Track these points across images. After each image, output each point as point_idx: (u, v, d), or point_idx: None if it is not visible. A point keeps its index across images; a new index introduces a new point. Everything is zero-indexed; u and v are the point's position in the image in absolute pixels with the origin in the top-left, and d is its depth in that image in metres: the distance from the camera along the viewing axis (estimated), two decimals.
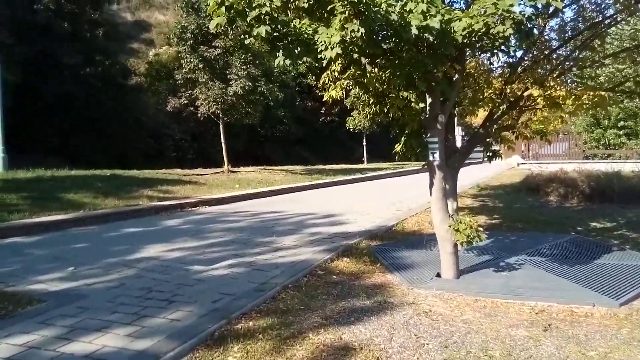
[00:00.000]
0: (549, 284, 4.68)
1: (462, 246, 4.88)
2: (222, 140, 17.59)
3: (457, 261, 5.00)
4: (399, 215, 8.95)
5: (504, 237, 6.95)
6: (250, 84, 16.24)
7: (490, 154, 6.26)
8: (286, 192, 13.75)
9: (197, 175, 15.90)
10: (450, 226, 4.86)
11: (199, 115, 17.25)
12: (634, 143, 22.11)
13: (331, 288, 4.55)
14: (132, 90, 29.48)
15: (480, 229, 4.86)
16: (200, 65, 16.35)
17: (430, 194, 5.08)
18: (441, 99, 4.85)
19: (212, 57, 16.49)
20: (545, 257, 5.70)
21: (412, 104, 5.01)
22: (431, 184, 5.01)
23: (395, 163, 31.01)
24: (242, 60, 16.72)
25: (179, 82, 17.33)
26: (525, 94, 5.39)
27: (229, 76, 16.56)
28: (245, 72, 16.37)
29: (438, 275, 5.08)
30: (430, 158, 4.92)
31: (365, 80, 4.95)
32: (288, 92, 32.77)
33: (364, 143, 28.88)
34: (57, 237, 7.33)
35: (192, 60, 16.31)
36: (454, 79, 4.80)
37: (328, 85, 5.88)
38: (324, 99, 5.87)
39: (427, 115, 4.92)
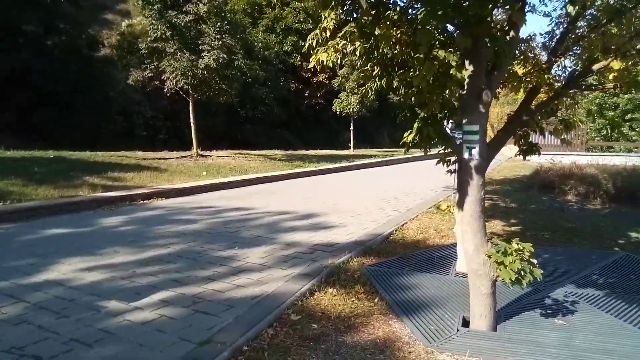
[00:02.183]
0: (629, 341, 3.22)
1: (507, 286, 3.33)
2: (192, 119, 15.70)
3: (494, 305, 3.46)
4: (396, 218, 7.38)
5: (535, 253, 5.43)
6: (225, 56, 14.35)
7: (525, 147, 4.75)
8: (262, 182, 12.07)
9: (160, 159, 14.07)
10: (490, 257, 3.30)
11: (165, 91, 15.31)
12: None
13: (310, 351, 2.96)
14: (101, 63, 27.03)
15: (534, 261, 3.33)
16: (168, 33, 14.36)
17: (460, 207, 3.51)
18: (488, 65, 3.24)
19: (182, 24, 14.50)
20: (601, 289, 4.25)
21: (453, 71, 3.36)
22: (463, 193, 3.43)
23: (385, 150, 29.48)
24: (217, 29, 14.79)
25: (143, 51, 15.28)
26: (596, 66, 3.79)
27: (200, 47, 14.64)
28: (220, 42, 14.46)
29: (465, 323, 3.56)
30: (466, 155, 3.35)
31: (378, 32, 3.32)
32: (271, 70, 30.79)
33: (351, 127, 27.19)
34: None
35: (158, 26, 14.29)
36: (510, 35, 3.19)
37: (316, 50, 4.17)
38: (310, 66, 4.16)
39: (465, 91, 3.31)
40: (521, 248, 3.31)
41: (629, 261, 5.15)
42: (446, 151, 5.42)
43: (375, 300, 3.92)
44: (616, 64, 3.50)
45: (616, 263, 5.08)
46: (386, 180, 13.30)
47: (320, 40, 3.99)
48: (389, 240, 6.09)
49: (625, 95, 19.50)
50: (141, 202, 8.70)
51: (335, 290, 4.05)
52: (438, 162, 5.46)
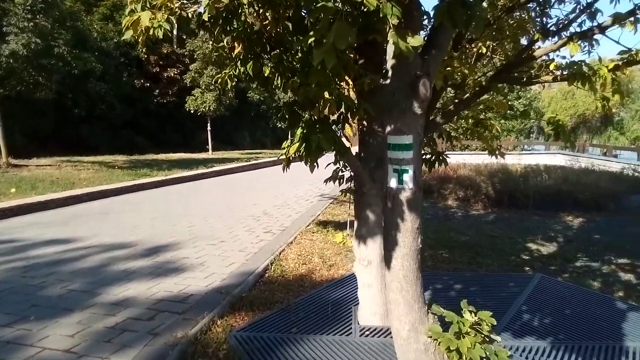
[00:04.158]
0: None
1: None
2: None
3: None
4: (270, 244, 6.06)
5: (441, 281, 4.59)
6: (38, 41, 11.46)
7: (432, 157, 3.86)
8: (94, 198, 9.73)
9: None
10: (435, 339, 2.15)
11: None
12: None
13: None
14: None
15: (496, 338, 2.27)
16: None
17: (387, 264, 2.30)
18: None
19: None
20: (542, 337, 3.42)
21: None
22: (389, 243, 2.23)
23: (247, 152, 28.05)
24: (28, 8, 11.78)
25: None
26: (539, 52, 2.91)
27: (4, 29, 11.51)
28: (32, 24, 11.53)
29: None
30: (393, 184, 2.13)
31: None
32: (110, 63, 27.06)
33: (209, 128, 25.13)
34: None
35: None
36: None
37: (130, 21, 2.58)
38: (125, 37, 2.56)
39: (389, 79, 2.11)
40: (478, 320, 2.22)
41: (549, 285, 4.55)
42: (339, 166, 4.29)
43: None
44: (575, 48, 2.62)
45: (538, 291, 4.42)
46: (252, 190, 11.88)
47: (149, 4, 2.48)
48: (264, 279, 4.72)
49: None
50: None
51: None
52: (328, 180, 4.28)
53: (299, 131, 2.88)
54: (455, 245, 6.00)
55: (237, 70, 3.16)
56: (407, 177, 2.07)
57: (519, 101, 29.42)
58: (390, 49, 1.83)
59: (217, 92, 22.02)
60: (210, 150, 25.58)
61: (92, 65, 19.75)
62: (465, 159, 13.32)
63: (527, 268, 5.25)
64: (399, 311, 2.17)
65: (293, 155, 2.98)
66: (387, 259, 2.26)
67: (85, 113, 26.23)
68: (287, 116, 3.23)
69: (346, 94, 3.13)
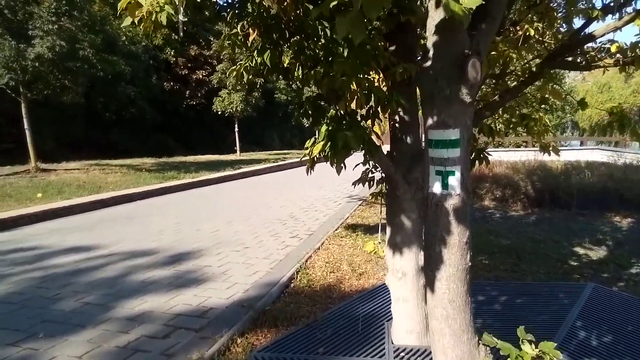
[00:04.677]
0: None
1: None
2: (26, 125, 12.54)
3: None
4: (296, 250, 5.75)
5: (482, 292, 4.18)
6: (63, 43, 11.51)
7: (472, 154, 3.45)
8: (120, 202, 9.66)
9: None
10: None
11: None
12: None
13: None
14: None
15: None
16: None
17: (430, 286, 1.94)
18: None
19: (4, 3, 11.38)
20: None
21: None
22: (432, 261, 1.87)
23: (275, 153, 27.92)
24: (53, 10, 11.86)
25: None
26: (600, 30, 2.50)
27: (30, 32, 11.61)
28: (56, 26, 11.58)
29: None
30: (436, 188, 1.78)
31: None
32: (139, 66, 27.41)
33: (236, 129, 25.09)
34: None
35: None
36: None
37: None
38: (124, 24, 2.28)
39: (431, 60, 1.74)
40: (540, 354, 1.83)
41: (604, 296, 4.07)
42: (369, 167, 3.93)
43: None
44: None
45: (592, 302, 3.95)
46: (279, 191, 11.62)
47: None
48: (290, 290, 4.41)
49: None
50: None
51: None
52: (357, 183, 3.93)
53: (323, 128, 2.56)
54: (496, 250, 5.54)
55: (254, 62, 2.85)
56: (454, 181, 1.71)
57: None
58: (432, 22, 1.47)
59: (244, 92, 21.94)
60: (238, 152, 25.55)
61: (121, 69, 19.96)
62: (500, 156, 12.70)
63: (577, 276, 4.75)
64: (445, 343, 1.81)
65: (318, 156, 2.66)
66: (428, 280, 1.90)
67: (116, 116, 26.64)
68: (310, 112, 2.90)
69: (376, 84, 2.78)
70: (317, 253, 5.55)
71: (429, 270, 1.87)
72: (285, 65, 2.75)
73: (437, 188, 1.75)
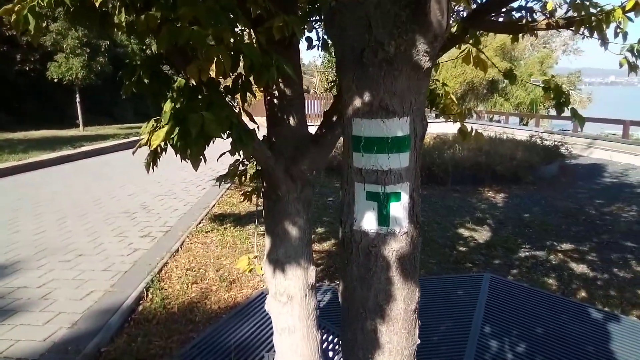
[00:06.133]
0: None
1: None
2: None
3: None
4: (148, 253, 4.69)
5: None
6: None
7: None
8: None
9: None
10: None
11: None
12: None
13: None
14: None
15: None
16: None
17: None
18: None
19: None
20: None
21: None
22: (356, 344, 1.08)
23: (128, 126, 25.12)
24: None
25: None
26: None
27: None
28: None
29: None
30: (365, 224, 0.98)
31: None
32: None
33: (77, 99, 21.90)
34: None
35: None
36: None
37: None
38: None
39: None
40: None
41: (503, 289, 3.81)
42: (237, 156, 3.05)
43: None
44: None
45: (493, 297, 3.66)
46: (129, 174, 9.97)
47: None
48: (137, 316, 3.42)
49: None
50: None
51: None
52: (221, 180, 3.03)
53: (168, 106, 1.65)
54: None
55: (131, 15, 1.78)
56: (399, 210, 0.98)
57: None
58: None
59: (84, 56, 19.14)
60: (81, 126, 22.44)
61: None
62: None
63: (470, 264, 4.52)
64: None
65: (162, 146, 1.77)
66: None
67: None
68: (145, 80, 1.96)
69: (247, 41, 1.94)
70: (175, 257, 4.56)
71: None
72: (97, 4, 1.73)
73: (368, 224, 1.00)
